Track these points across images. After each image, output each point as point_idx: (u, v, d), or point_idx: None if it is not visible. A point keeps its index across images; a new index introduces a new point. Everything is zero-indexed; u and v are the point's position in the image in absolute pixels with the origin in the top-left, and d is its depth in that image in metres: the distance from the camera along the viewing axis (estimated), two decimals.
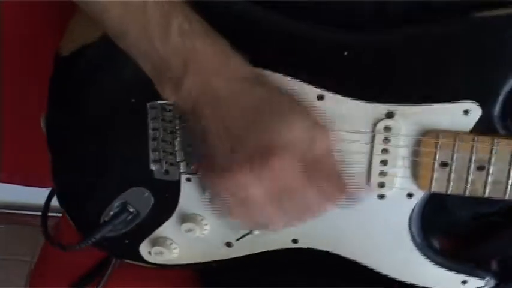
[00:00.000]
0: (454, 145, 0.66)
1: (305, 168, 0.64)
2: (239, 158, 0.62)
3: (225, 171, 0.62)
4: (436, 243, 0.75)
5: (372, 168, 0.69)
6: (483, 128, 0.65)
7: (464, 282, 0.73)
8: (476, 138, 0.65)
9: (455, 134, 0.66)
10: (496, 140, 0.65)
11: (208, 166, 0.65)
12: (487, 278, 0.74)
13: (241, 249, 0.78)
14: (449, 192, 0.68)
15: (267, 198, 0.64)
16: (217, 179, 0.64)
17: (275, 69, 0.67)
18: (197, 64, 0.63)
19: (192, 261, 0.81)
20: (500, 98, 0.64)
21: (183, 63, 0.63)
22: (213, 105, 0.63)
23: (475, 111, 0.65)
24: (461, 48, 0.64)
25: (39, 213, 0.83)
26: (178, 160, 0.73)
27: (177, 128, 0.72)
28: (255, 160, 0.62)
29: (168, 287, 0.86)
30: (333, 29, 0.67)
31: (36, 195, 0.82)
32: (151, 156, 0.75)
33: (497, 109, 0.65)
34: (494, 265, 0.76)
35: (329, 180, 0.66)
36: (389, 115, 0.67)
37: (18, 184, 0.97)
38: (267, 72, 0.67)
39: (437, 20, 0.65)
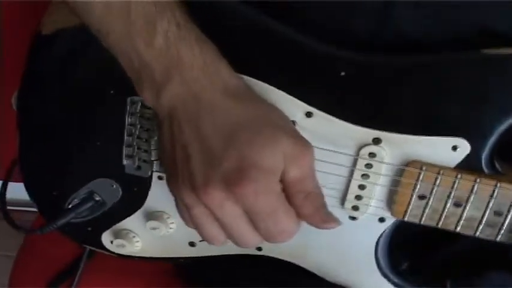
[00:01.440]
0: (436, 179, 0.55)
1: (284, 188, 0.52)
2: (215, 176, 0.49)
3: (200, 187, 0.50)
4: (403, 264, 0.65)
5: (348, 191, 0.57)
6: (469, 165, 0.54)
7: None
8: (459, 176, 0.54)
9: (439, 168, 0.54)
10: (478, 180, 0.54)
11: (179, 178, 0.52)
12: None
13: (204, 250, 0.65)
14: (422, 223, 0.57)
15: (243, 217, 0.51)
16: (189, 193, 0.51)
17: (266, 80, 0.54)
18: (180, 73, 0.50)
19: (155, 256, 0.67)
20: (492, 139, 0.53)
21: (165, 71, 0.50)
22: (192, 118, 0.50)
23: (464, 148, 0.54)
24: (460, 83, 0.53)
25: (25, 209, 0.69)
26: (152, 159, 0.60)
27: (155, 127, 0.58)
28: (231, 180, 0.49)
29: (145, 282, 0.73)
30: (333, 46, 0.54)
31: (21, 191, 0.67)
32: (125, 151, 0.61)
33: (486, 149, 0.53)
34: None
35: (309, 201, 0.52)
36: (376, 141, 0.55)
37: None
38: (257, 82, 0.54)
39: (440, 51, 0.53)
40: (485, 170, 0.55)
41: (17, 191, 0.68)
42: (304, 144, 0.52)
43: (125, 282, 0.72)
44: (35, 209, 0.67)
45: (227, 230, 0.52)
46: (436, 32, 0.53)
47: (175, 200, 0.54)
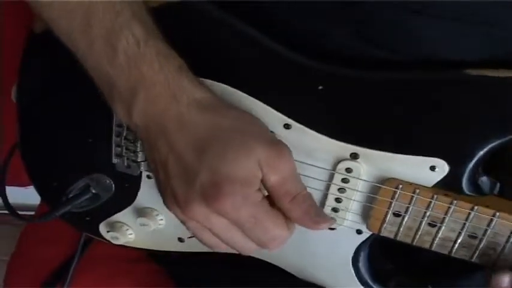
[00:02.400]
0: (412, 198, 0.48)
1: (269, 195, 0.47)
2: (193, 192, 0.44)
3: (182, 205, 0.45)
4: (383, 271, 0.58)
5: (326, 203, 0.51)
6: (447, 185, 0.48)
7: None
8: (435, 197, 0.48)
9: (415, 187, 0.48)
10: (454, 202, 0.48)
11: (166, 196, 0.47)
12: None
13: (192, 246, 0.60)
14: (397, 239, 0.51)
15: (231, 229, 0.46)
16: (177, 209, 0.46)
17: (247, 91, 0.49)
18: (145, 90, 0.45)
19: (147, 248, 0.63)
20: (472, 162, 0.46)
21: (131, 88, 0.45)
22: (164, 136, 0.45)
23: (442, 169, 0.47)
24: (439, 103, 0.46)
25: (19, 212, 0.66)
26: (139, 160, 0.55)
27: None
28: (208, 197, 0.44)
29: (136, 282, 0.68)
30: (312, 60, 0.48)
31: (15, 194, 0.65)
32: (114, 150, 0.56)
33: (466, 171, 0.47)
34: None
35: (296, 203, 0.47)
36: (354, 156, 0.49)
37: None
38: (236, 92, 0.49)
39: (423, 70, 0.47)
40: (466, 191, 0.48)
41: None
42: (279, 148, 0.46)
43: (117, 282, 0.68)
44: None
45: (223, 240, 0.48)
46: (410, 57, 0.46)
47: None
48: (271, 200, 0.47)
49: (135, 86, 0.45)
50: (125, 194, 0.59)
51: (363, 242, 0.54)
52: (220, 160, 0.44)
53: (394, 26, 0.45)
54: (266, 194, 0.47)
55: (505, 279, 0.48)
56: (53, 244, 0.70)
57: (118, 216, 0.61)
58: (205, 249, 0.60)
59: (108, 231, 0.62)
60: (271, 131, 0.50)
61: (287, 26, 0.47)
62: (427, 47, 0.46)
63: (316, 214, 0.48)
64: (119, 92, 0.45)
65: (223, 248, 0.49)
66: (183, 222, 0.47)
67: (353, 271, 0.56)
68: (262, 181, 0.46)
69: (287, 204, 0.47)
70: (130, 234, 0.62)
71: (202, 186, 0.44)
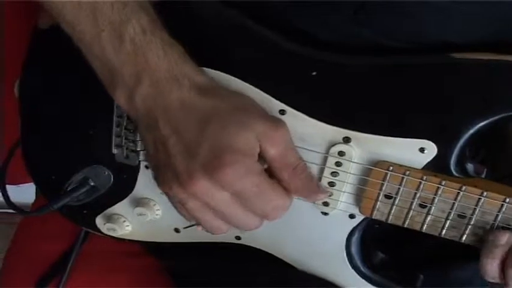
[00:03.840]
0: (402, 180, 0.50)
1: (269, 168, 0.49)
2: (195, 166, 0.46)
3: (185, 181, 0.47)
4: (375, 258, 0.60)
5: None
6: (436, 167, 0.50)
7: None
8: (425, 178, 0.50)
9: (405, 169, 0.50)
10: (443, 183, 0.50)
11: (166, 176, 0.49)
12: None
13: (188, 237, 0.61)
14: (388, 222, 0.53)
15: (234, 200, 0.48)
16: (178, 188, 0.48)
17: (242, 78, 0.51)
18: (149, 76, 0.47)
19: (143, 239, 0.64)
20: (460, 143, 0.48)
21: (135, 74, 0.47)
22: (166, 116, 0.47)
23: (431, 151, 0.49)
24: (427, 86, 0.48)
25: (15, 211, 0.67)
26: (138, 149, 0.56)
27: None
28: (211, 168, 0.46)
29: (133, 277, 0.69)
30: (305, 46, 0.50)
31: (9, 193, 0.65)
32: (114, 140, 0.58)
33: (454, 152, 0.49)
34: (419, 282, 0.62)
35: (294, 174, 0.49)
36: (346, 140, 0.51)
37: None
38: (232, 79, 0.50)
39: (412, 55, 0.49)
40: (454, 173, 0.50)
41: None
42: (276, 122, 0.49)
43: (114, 277, 0.68)
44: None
45: (225, 218, 0.49)
46: (402, 41, 0.49)
47: (170, 201, 0.52)
48: (270, 173, 0.49)
49: (139, 72, 0.47)
50: (123, 185, 0.60)
51: (356, 227, 0.55)
52: (221, 134, 0.46)
53: (391, 10, 0.47)
54: (265, 167, 0.49)
55: (503, 237, 0.49)
56: (49, 239, 0.70)
57: (115, 208, 0.62)
58: (200, 239, 0.63)
59: (105, 224, 0.63)
60: None
61: (283, 12, 0.50)
62: (422, 31, 0.48)
63: (314, 185, 0.51)
64: (122, 78, 0.48)
65: (224, 230, 0.51)
66: (183, 203, 0.49)
67: (346, 257, 0.57)
68: (262, 154, 0.48)
69: (286, 175, 0.49)
70: (127, 225, 0.63)
71: (204, 158, 0.46)
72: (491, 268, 0.51)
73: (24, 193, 0.73)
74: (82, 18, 0.48)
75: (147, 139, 0.50)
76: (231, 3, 0.50)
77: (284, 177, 0.49)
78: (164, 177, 0.49)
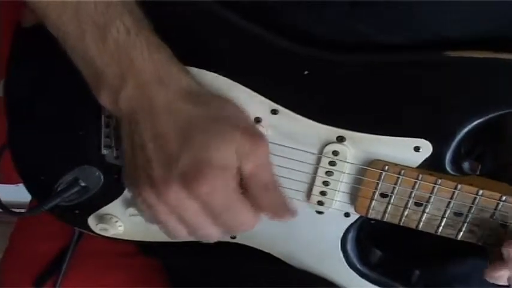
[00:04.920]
0: (398, 179, 0.50)
1: (242, 183, 0.48)
2: (173, 174, 0.45)
3: (159, 186, 0.46)
4: (371, 255, 0.59)
5: (313, 187, 0.52)
6: (431, 166, 0.49)
7: None
8: (420, 177, 0.49)
9: (400, 168, 0.49)
10: (439, 181, 0.49)
11: (139, 179, 0.48)
12: None
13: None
14: (384, 220, 0.52)
15: (202, 212, 0.47)
16: (150, 192, 0.47)
17: (233, 77, 0.49)
18: (134, 78, 0.46)
19: (136, 239, 0.63)
20: (455, 141, 0.48)
21: (120, 76, 0.46)
22: (149, 120, 0.46)
23: (426, 149, 0.48)
24: (421, 85, 0.47)
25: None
26: None
27: None
28: (188, 178, 0.45)
29: (129, 276, 0.68)
30: (297, 44, 0.48)
31: (5, 192, 0.64)
32: (103, 141, 0.57)
33: (449, 151, 0.48)
34: (414, 278, 0.62)
35: (266, 193, 0.48)
36: (340, 139, 0.50)
37: None
38: (223, 79, 0.49)
39: (406, 52, 0.48)
40: (450, 171, 0.50)
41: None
42: (256, 139, 0.47)
43: (110, 276, 0.68)
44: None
45: (189, 226, 0.48)
46: (399, 36, 0.47)
47: (135, 200, 0.50)
48: (241, 187, 0.48)
49: (123, 74, 0.46)
50: (114, 185, 0.59)
51: (351, 225, 0.55)
52: (202, 147, 0.45)
53: (388, 4, 0.46)
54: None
55: None
56: (45, 239, 0.70)
57: (107, 208, 0.61)
58: (192, 239, 0.62)
59: (97, 224, 0.62)
60: (258, 117, 0.51)
61: (277, 7, 0.48)
62: (421, 26, 0.47)
63: (283, 203, 0.50)
64: (107, 79, 0.46)
65: (182, 237, 0.50)
66: (150, 206, 0.47)
67: (342, 255, 0.57)
68: (238, 170, 0.47)
69: (257, 192, 0.48)
70: (120, 226, 0.62)
71: (183, 168, 0.45)
72: (500, 279, 0.51)
73: (22, 193, 0.72)
74: (66, 18, 0.46)
75: (126, 141, 0.48)
76: (223, 1, 0.49)
77: (254, 193, 0.48)
78: (138, 180, 0.48)
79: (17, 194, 0.72)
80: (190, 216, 0.47)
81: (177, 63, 0.47)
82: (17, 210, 0.67)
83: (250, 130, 0.48)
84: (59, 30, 0.47)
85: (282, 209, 0.50)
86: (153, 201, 0.47)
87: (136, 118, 0.46)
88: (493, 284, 0.62)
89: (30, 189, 0.63)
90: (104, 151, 0.57)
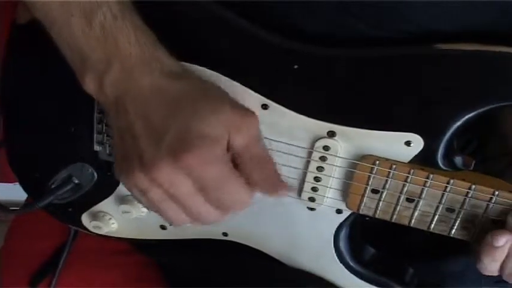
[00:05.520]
0: (389, 174, 0.49)
1: (233, 157, 0.47)
2: (161, 150, 0.45)
3: (149, 165, 0.45)
4: (364, 253, 0.59)
5: (304, 183, 0.52)
6: (423, 160, 0.49)
7: None
8: (412, 171, 0.49)
9: (392, 163, 0.49)
10: (431, 176, 0.49)
11: (129, 164, 0.47)
12: None
13: (175, 234, 0.61)
14: (376, 217, 0.52)
15: (196, 191, 0.46)
16: (140, 175, 0.46)
17: (223, 72, 0.49)
18: (120, 61, 0.46)
19: (129, 237, 0.63)
20: (446, 136, 0.47)
21: (105, 60, 0.46)
22: (135, 102, 0.46)
23: (417, 144, 0.48)
24: (415, 78, 0.47)
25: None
26: None
27: None
28: (177, 150, 0.45)
29: (124, 274, 0.68)
30: (286, 39, 0.48)
31: (2, 191, 0.65)
32: (96, 138, 0.57)
33: (441, 145, 0.48)
34: (408, 276, 0.61)
35: (258, 167, 0.48)
36: (331, 134, 0.49)
37: None
38: (213, 74, 0.49)
39: (396, 46, 0.47)
40: (442, 166, 0.49)
41: None
42: (245, 112, 0.47)
43: (104, 276, 0.68)
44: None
45: (184, 208, 0.48)
46: (389, 31, 0.47)
47: (132, 192, 0.49)
48: (234, 165, 0.47)
49: (109, 58, 0.46)
50: (107, 182, 0.59)
51: (343, 222, 0.55)
52: (190, 117, 0.45)
53: None
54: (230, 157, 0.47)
55: (502, 238, 0.48)
56: (41, 238, 0.70)
57: (100, 206, 0.61)
58: (187, 236, 0.62)
59: (90, 221, 0.62)
60: None
61: (269, 4, 0.48)
62: (406, 20, 0.47)
63: (277, 179, 0.49)
64: (92, 64, 0.46)
65: (185, 222, 0.49)
66: (144, 192, 0.47)
67: (334, 252, 0.57)
68: (229, 143, 0.47)
69: (250, 167, 0.48)
70: (113, 223, 0.62)
71: (171, 141, 0.45)
72: (491, 268, 0.50)
73: (19, 191, 0.72)
74: (53, 4, 0.47)
75: (113, 128, 0.48)
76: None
77: (247, 169, 0.47)
78: (127, 164, 0.47)
79: (14, 192, 0.72)
80: (184, 196, 0.46)
81: (161, 47, 0.48)
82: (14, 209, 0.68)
83: (240, 105, 0.48)
84: (46, 16, 0.48)
85: (275, 185, 0.49)
86: (146, 185, 0.46)
87: (122, 102, 0.46)
88: (486, 283, 0.62)
89: (24, 187, 0.64)
90: (97, 148, 0.57)
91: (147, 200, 0.48)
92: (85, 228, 0.64)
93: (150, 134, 0.45)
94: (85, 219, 0.63)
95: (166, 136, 0.45)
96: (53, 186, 0.62)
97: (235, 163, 0.47)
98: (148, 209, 0.51)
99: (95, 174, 0.60)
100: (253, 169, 0.47)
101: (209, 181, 0.46)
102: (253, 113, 0.47)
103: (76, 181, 0.61)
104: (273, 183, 0.49)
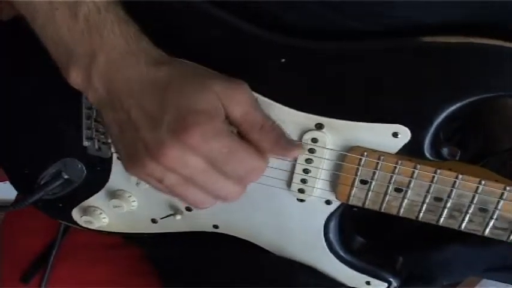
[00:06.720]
0: (377, 164, 0.50)
1: (238, 130, 0.47)
2: (163, 134, 0.45)
3: (156, 152, 0.45)
4: (354, 243, 0.60)
5: (294, 175, 0.53)
6: (410, 151, 0.49)
7: (368, 283, 0.59)
8: (399, 162, 0.50)
9: (379, 154, 0.50)
10: (418, 167, 0.50)
11: (137, 155, 0.47)
12: (391, 280, 0.60)
13: (165, 227, 0.61)
14: (365, 207, 0.53)
15: (209, 167, 0.46)
16: (151, 163, 0.46)
17: (210, 66, 0.49)
18: (106, 54, 0.46)
19: (121, 231, 0.64)
20: (433, 126, 0.48)
21: (91, 53, 0.46)
22: (126, 92, 0.46)
23: (404, 135, 0.49)
24: (400, 70, 0.47)
25: None
26: (109, 141, 0.56)
27: None
28: (177, 132, 0.45)
29: (116, 268, 0.69)
30: (273, 33, 0.49)
31: None
32: (85, 133, 0.57)
33: (428, 136, 0.48)
34: (398, 265, 0.63)
35: (263, 133, 0.48)
36: (319, 127, 0.50)
37: None
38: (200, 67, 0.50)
39: (381, 38, 0.48)
40: (429, 157, 0.50)
41: None
42: (236, 82, 0.47)
43: (95, 270, 0.69)
44: None
45: (202, 186, 0.48)
46: (372, 23, 0.47)
47: (150, 185, 0.49)
48: (240, 137, 0.48)
49: (95, 51, 0.46)
50: (96, 177, 0.60)
51: (333, 213, 0.56)
52: (181, 98, 0.45)
53: None
54: (235, 132, 0.48)
55: None
56: (32, 235, 0.70)
57: (91, 201, 0.62)
58: (178, 229, 0.63)
59: (81, 216, 0.63)
60: None
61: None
62: (388, 13, 0.47)
63: (287, 141, 0.50)
64: (78, 58, 0.47)
65: (209, 203, 0.49)
66: (160, 180, 0.47)
67: (325, 243, 0.58)
68: (228, 117, 0.47)
69: (256, 135, 0.48)
70: (104, 218, 0.63)
71: (169, 124, 0.45)
72: None
73: (9, 190, 0.72)
74: None
75: (110, 120, 0.48)
76: None
77: (254, 137, 0.48)
78: (135, 157, 0.47)
79: (4, 191, 0.72)
80: (198, 174, 0.47)
81: (145, 37, 0.48)
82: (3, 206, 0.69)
83: (227, 77, 0.48)
84: (28, 9, 0.48)
85: (286, 147, 0.49)
86: (159, 173, 0.46)
87: (116, 94, 0.47)
88: (474, 271, 0.63)
89: (14, 183, 0.64)
90: (86, 143, 0.58)
91: (165, 186, 0.48)
92: (76, 224, 0.65)
93: (150, 122, 0.46)
94: (76, 214, 0.64)
95: (164, 121, 0.45)
96: (42, 182, 0.62)
97: (241, 134, 0.48)
98: (173, 197, 0.50)
99: (85, 170, 0.60)
100: (258, 136, 0.48)
101: (218, 155, 0.47)
102: (243, 82, 0.47)
103: (66, 176, 0.61)
104: (283, 146, 0.49)
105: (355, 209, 0.55)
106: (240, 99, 0.47)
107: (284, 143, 0.49)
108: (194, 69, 0.48)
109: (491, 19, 0.47)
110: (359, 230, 0.61)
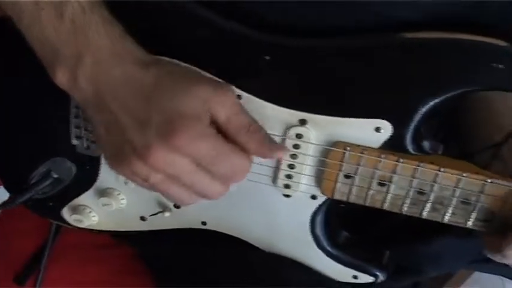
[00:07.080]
0: (360, 159, 0.51)
1: (225, 133, 0.48)
2: (150, 136, 0.46)
3: (143, 153, 0.46)
4: (341, 237, 0.61)
5: (279, 171, 0.54)
6: (393, 146, 0.50)
7: (355, 277, 0.60)
8: (382, 156, 0.51)
9: (362, 149, 0.51)
10: (401, 160, 0.51)
11: (123, 155, 0.48)
12: (378, 274, 0.61)
13: (154, 224, 0.62)
14: (350, 201, 0.54)
15: (195, 168, 0.48)
16: (137, 163, 0.47)
17: (195, 64, 0.50)
18: (91, 55, 0.47)
19: (110, 229, 0.64)
20: (414, 121, 0.49)
21: (77, 54, 0.47)
22: (112, 93, 0.47)
23: (386, 130, 0.50)
24: (381, 66, 0.48)
25: None
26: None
27: None
28: (164, 133, 0.46)
29: (108, 268, 0.70)
30: (256, 30, 0.50)
31: None
32: (73, 132, 0.58)
33: (409, 130, 0.49)
34: (385, 259, 0.63)
35: (249, 135, 0.49)
36: (302, 122, 0.51)
37: None
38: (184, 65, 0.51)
39: (363, 34, 0.49)
40: (411, 151, 0.51)
41: None
42: (219, 86, 0.48)
43: (88, 270, 0.69)
44: None
45: (188, 186, 0.49)
46: (348, 20, 0.49)
47: (134, 182, 0.51)
48: (226, 139, 0.48)
49: (81, 51, 0.47)
50: (86, 176, 0.61)
51: (319, 208, 0.56)
52: (167, 101, 0.46)
53: None
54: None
55: None
56: (24, 236, 0.71)
57: (80, 199, 0.63)
58: (167, 226, 0.64)
59: (71, 215, 0.63)
60: None
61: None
62: (367, 10, 0.48)
63: (271, 142, 0.51)
64: (64, 58, 0.47)
65: (193, 200, 0.50)
66: (146, 179, 0.48)
67: (312, 238, 0.58)
68: (214, 120, 0.48)
69: (243, 137, 0.49)
70: (94, 216, 0.63)
71: (157, 126, 0.46)
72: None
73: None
74: None
75: (97, 121, 0.49)
76: None
77: (240, 139, 0.49)
78: (122, 157, 0.48)
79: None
80: (185, 174, 0.48)
81: (130, 38, 0.49)
82: None
83: (214, 81, 0.49)
84: (14, 9, 0.49)
85: (270, 148, 0.50)
86: (145, 172, 0.47)
87: (101, 95, 0.47)
88: (461, 263, 0.64)
89: (5, 184, 0.65)
90: (74, 142, 0.59)
91: (151, 185, 0.50)
92: (66, 222, 0.65)
93: (136, 124, 0.47)
94: (65, 213, 0.64)
95: (151, 123, 0.46)
96: (32, 182, 0.63)
97: (227, 136, 0.49)
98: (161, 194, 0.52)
99: (74, 168, 0.61)
100: (245, 138, 0.49)
101: (204, 156, 0.48)
102: (228, 85, 0.49)
103: (55, 175, 0.62)
104: (268, 148, 0.50)
105: (342, 205, 0.56)
106: (225, 103, 0.48)
107: (269, 144, 0.50)
108: (180, 70, 0.49)
109: (472, 16, 0.48)
110: (346, 225, 0.62)
